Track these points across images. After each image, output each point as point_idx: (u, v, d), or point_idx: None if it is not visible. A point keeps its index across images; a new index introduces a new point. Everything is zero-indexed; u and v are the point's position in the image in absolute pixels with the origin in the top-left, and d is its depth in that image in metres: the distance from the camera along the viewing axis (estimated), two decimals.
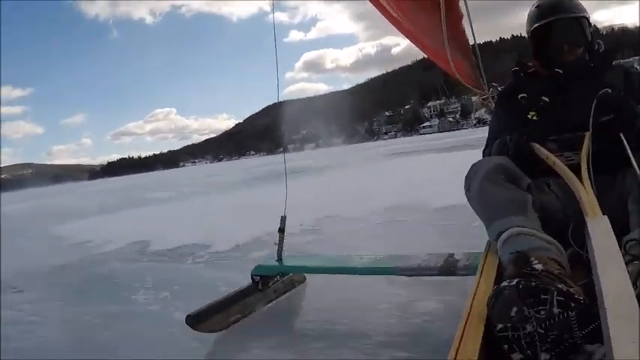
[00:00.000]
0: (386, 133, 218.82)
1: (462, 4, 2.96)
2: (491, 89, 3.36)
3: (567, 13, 2.11)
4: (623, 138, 1.69)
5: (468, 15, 3.06)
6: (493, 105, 3.28)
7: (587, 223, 1.28)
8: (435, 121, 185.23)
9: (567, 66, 2.11)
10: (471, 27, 3.09)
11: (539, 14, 2.18)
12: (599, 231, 1.20)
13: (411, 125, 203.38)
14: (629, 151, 1.60)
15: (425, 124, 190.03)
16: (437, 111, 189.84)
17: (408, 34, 3.39)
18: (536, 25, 2.18)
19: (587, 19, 2.16)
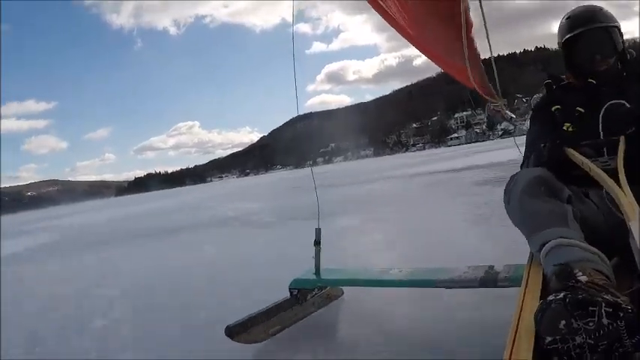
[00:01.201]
0: (414, 145, 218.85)
1: (472, 14, 2.99)
2: (505, 99, 3.35)
3: (598, 24, 2.12)
4: None
5: (485, 26, 3.07)
6: (506, 113, 3.34)
7: (629, 227, 1.27)
8: (463, 133, 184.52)
9: (600, 76, 2.12)
10: (488, 38, 3.11)
11: (570, 25, 2.19)
12: None
13: (439, 137, 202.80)
14: None
15: (452, 136, 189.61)
16: (464, 122, 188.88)
17: (417, 45, 3.42)
18: (567, 36, 2.19)
19: (619, 29, 2.16)
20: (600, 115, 1.97)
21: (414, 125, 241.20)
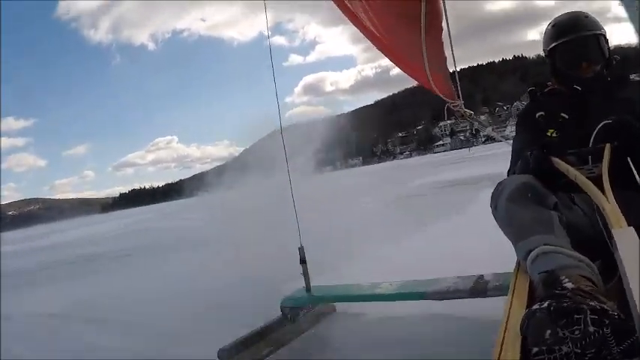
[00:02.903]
0: (401, 153, 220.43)
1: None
2: (462, 101, 3.43)
3: (584, 31, 2.14)
4: (631, 163, 1.70)
5: (449, 31, 3.16)
6: (465, 112, 3.45)
7: (613, 235, 1.27)
8: (448, 140, 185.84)
9: (585, 83, 2.13)
10: (450, 37, 3.19)
11: (556, 33, 2.20)
12: (626, 242, 1.20)
13: (425, 145, 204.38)
14: (637, 175, 1.61)
15: (438, 143, 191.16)
16: (448, 130, 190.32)
17: (384, 49, 3.46)
18: (553, 44, 2.20)
19: (604, 35, 2.18)
20: (596, 131, 1.97)
21: (400, 134, 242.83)
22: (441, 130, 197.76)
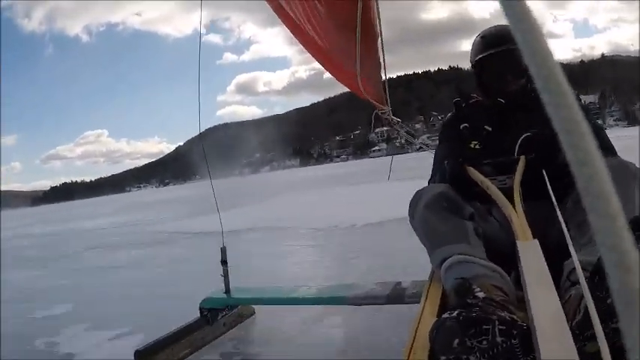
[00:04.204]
0: (338, 157, 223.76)
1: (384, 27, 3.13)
2: (390, 108, 3.50)
3: (511, 44, 2.11)
4: (545, 176, 1.75)
5: (381, 37, 3.25)
6: (392, 119, 3.50)
7: (517, 247, 1.30)
8: (384, 146, 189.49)
9: (510, 96, 2.17)
10: (382, 50, 3.30)
11: (483, 45, 2.21)
12: (529, 254, 1.22)
13: (362, 149, 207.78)
14: (549, 187, 1.64)
15: (375, 148, 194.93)
16: (384, 137, 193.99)
17: (316, 51, 3.43)
18: (480, 56, 2.22)
19: None
20: (518, 144, 2.01)
21: (337, 138, 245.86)
22: (378, 136, 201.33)
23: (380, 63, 3.35)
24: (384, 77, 3.46)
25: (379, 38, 3.27)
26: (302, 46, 3.35)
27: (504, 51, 2.14)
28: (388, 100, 3.41)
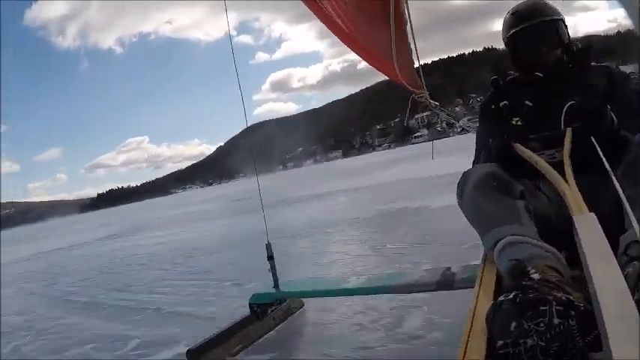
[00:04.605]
0: (380, 145, 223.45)
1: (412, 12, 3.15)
2: (427, 92, 3.47)
3: (543, 17, 2.10)
4: (595, 143, 1.67)
5: (410, 23, 3.21)
6: (430, 102, 3.45)
7: (573, 221, 1.24)
8: (425, 131, 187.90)
9: (547, 68, 2.10)
10: (412, 34, 3.26)
11: (515, 20, 2.16)
12: (587, 228, 1.16)
13: (403, 136, 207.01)
14: (603, 156, 1.56)
15: (416, 134, 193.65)
16: (424, 122, 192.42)
17: (351, 43, 3.44)
18: (513, 30, 2.16)
19: (564, 22, 2.15)
20: (563, 112, 1.94)
21: (378, 127, 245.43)
22: (418, 122, 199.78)
23: (411, 49, 3.32)
24: (416, 63, 3.43)
25: (408, 24, 3.25)
26: (336, 39, 3.35)
27: (537, 23, 2.10)
28: (424, 84, 3.38)
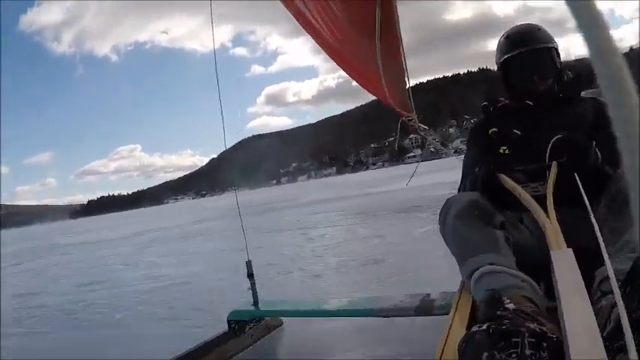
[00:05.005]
0: (374, 164, 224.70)
1: (405, 31, 3.08)
2: (415, 115, 3.38)
3: (537, 44, 2.09)
4: (577, 180, 1.67)
5: (401, 43, 3.17)
6: (419, 126, 3.37)
7: (551, 256, 1.24)
8: (418, 152, 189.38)
9: (537, 97, 2.10)
10: (403, 55, 3.20)
11: (509, 45, 2.15)
12: (563, 264, 1.17)
13: (397, 156, 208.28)
14: (582, 191, 1.56)
15: (410, 155, 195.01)
16: (418, 142, 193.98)
17: (341, 62, 3.41)
18: (506, 56, 2.16)
19: (557, 49, 2.14)
20: (550, 145, 1.93)
21: (372, 145, 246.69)
22: (412, 142, 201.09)
23: (404, 69, 3.29)
24: (408, 84, 3.39)
25: (400, 42, 3.22)
26: (326, 55, 3.31)
27: (530, 50, 2.09)
28: (413, 107, 3.33)
